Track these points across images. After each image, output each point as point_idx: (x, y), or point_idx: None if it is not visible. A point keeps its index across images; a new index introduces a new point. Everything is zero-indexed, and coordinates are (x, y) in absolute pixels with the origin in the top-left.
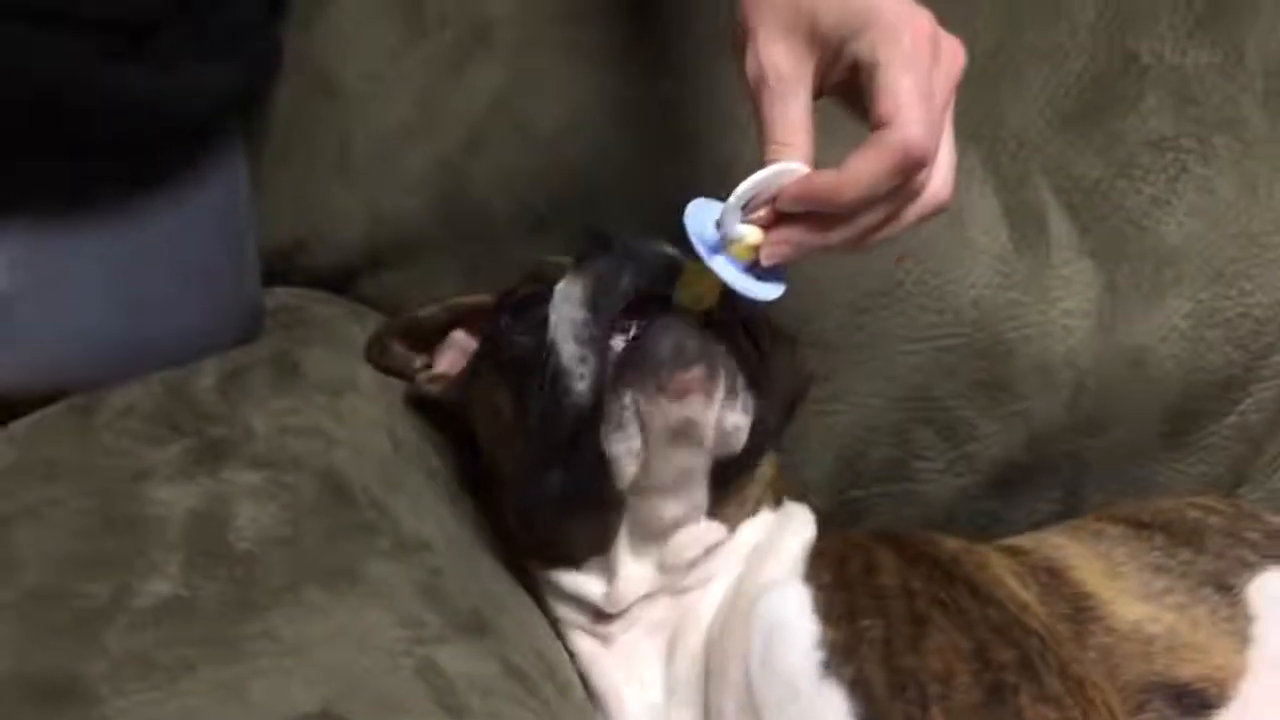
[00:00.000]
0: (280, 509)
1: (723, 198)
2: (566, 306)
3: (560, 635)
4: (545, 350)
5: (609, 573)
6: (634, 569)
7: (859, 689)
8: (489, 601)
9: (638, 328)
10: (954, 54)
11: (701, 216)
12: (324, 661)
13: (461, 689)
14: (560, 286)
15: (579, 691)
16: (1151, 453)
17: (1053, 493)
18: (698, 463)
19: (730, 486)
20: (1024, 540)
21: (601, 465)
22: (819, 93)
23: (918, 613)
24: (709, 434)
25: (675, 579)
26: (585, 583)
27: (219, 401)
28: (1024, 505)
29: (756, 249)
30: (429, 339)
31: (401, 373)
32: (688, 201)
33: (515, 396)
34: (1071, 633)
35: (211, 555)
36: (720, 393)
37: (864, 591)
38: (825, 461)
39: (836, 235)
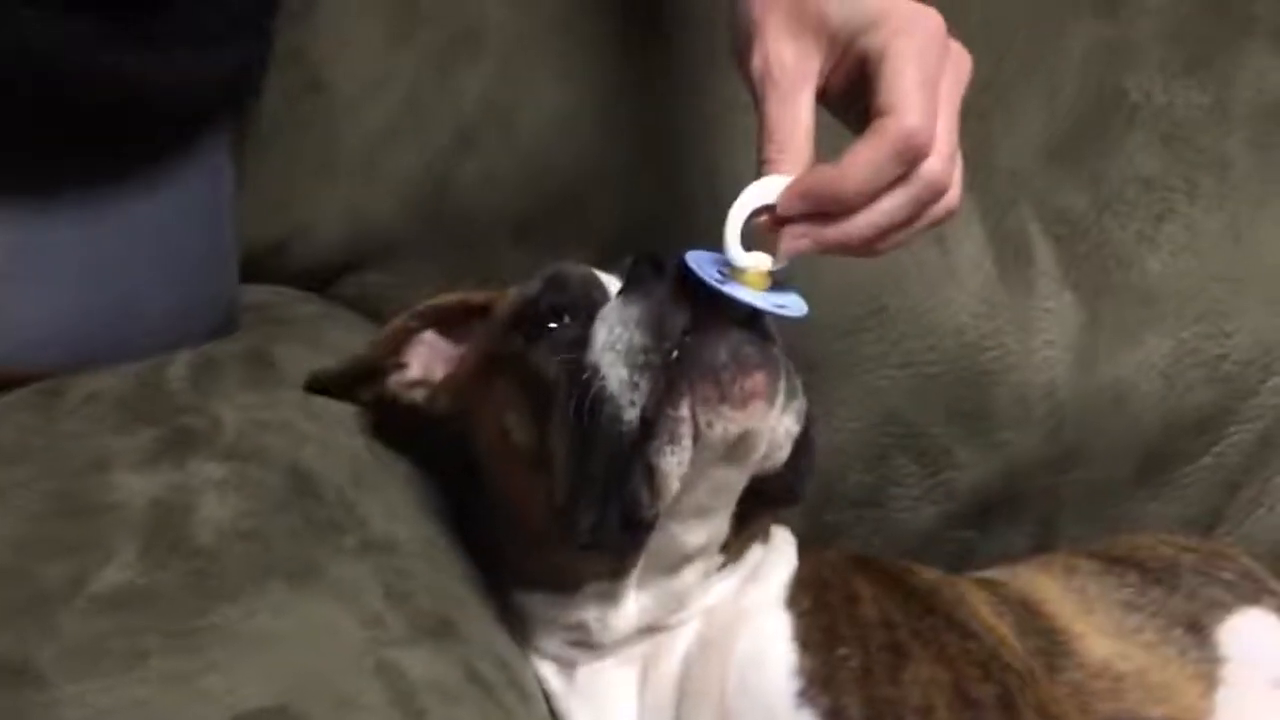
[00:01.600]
0: (245, 502)
1: (710, 209)
2: (620, 329)
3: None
4: (585, 374)
5: (609, 602)
6: (636, 601)
7: (836, 719)
8: (455, 606)
9: (689, 339)
10: (963, 58)
11: (701, 260)
12: (282, 658)
13: (422, 692)
14: (611, 308)
15: (543, 704)
16: (1128, 490)
17: (1028, 526)
18: (738, 480)
19: (751, 518)
20: (999, 573)
21: (645, 485)
22: (822, 94)
23: (897, 644)
24: (762, 445)
25: (672, 613)
26: (579, 611)
27: (189, 392)
28: (999, 537)
29: (769, 275)
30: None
31: (366, 376)
32: (675, 208)
33: (535, 419)
34: (1044, 667)
35: (172, 545)
36: (781, 398)
37: (844, 620)
38: None
39: (846, 229)
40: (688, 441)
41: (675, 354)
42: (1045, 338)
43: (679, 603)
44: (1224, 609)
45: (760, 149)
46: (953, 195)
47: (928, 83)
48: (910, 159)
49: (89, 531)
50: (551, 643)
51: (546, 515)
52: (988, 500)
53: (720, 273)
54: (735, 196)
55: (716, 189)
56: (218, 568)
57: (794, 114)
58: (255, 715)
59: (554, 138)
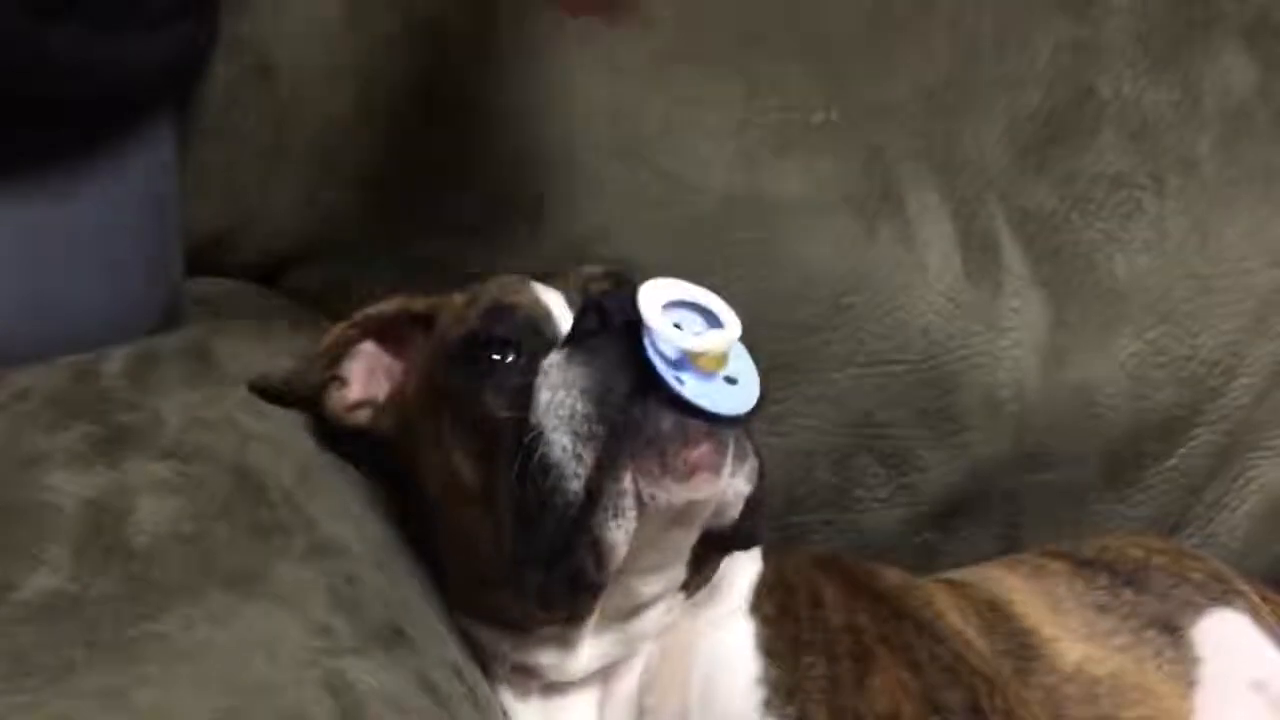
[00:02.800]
0: (185, 504)
1: (672, 208)
2: (563, 394)
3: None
4: (530, 434)
5: (564, 647)
6: (593, 646)
7: None
8: (406, 613)
9: (634, 402)
10: None
11: (655, 314)
12: (221, 670)
13: (371, 704)
14: (554, 365)
15: (498, 713)
16: (1093, 491)
17: (993, 528)
18: (689, 539)
19: (707, 561)
20: (965, 573)
21: (592, 554)
22: None
23: (864, 650)
24: (710, 510)
25: (631, 648)
26: (531, 654)
27: (127, 389)
28: (964, 539)
29: (724, 357)
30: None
31: (305, 393)
32: (636, 204)
33: (482, 462)
34: (1014, 670)
35: (106, 550)
36: (729, 466)
37: (809, 627)
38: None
39: None
40: (632, 513)
41: (619, 423)
42: (1013, 337)
43: (637, 642)
44: (1196, 610)
45: None
46: None
47: None
48: None
49: (17, 535)
50: (503, 669)
51: (496, 560)
52: (953, 502)
53: (676, 325)
54: (701, 193)
55: (676, 189)
56: (154, 574)
57: None
58: None
59: (513, 130)
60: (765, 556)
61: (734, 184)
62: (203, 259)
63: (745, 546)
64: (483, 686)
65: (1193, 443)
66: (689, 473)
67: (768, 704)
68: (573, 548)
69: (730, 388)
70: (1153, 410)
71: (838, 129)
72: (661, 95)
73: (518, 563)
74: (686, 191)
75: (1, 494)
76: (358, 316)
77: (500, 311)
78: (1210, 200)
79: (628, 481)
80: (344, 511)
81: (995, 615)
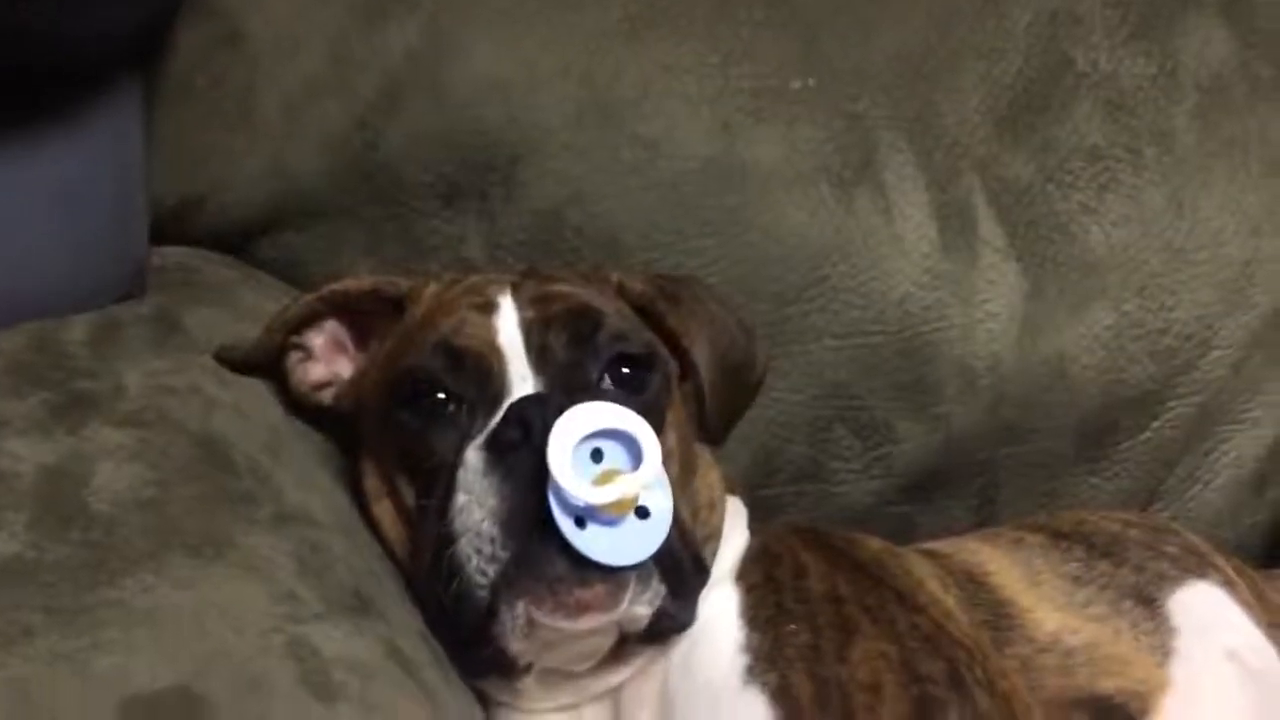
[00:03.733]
0: (146, 470)
1: (645, 175)
2: (475, 507)
3: None
4: (447, 530)
5: (513, 692)
6: (545, 699)
7: (783, 697)
8: (373, 581)
9: (535, 534)
10: None
11: (565, 481)
12: (182, 636)
13: (337, 671)
14: (473, 469)
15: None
16: (1068, 464)
17: (968, 500)
18: (600, 645)
19: (635, 646)
20: (942, 545)
21: (498, 654)
22: None
23: (846, 619)
24: (609, 630)
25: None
26: (490, 688)
27: (89, 356)
28: (939, 512)
29: (634, 500)
30: (301, 324)
31: (270, 366)
32: (608, 173)
33: (418, 498)
34: (991, 640)
35: (64, 516)
36: (625, 604)
37: (792, 596)
38: (740, 457)
39: None
40: (523, 635)
41: (519, 554)
42: (988, 308)
43: (595, 686)
44: (1172, 582)
45: None
46: None
47: None
48: None
49: None
50: None
51: (418, 588)
52: (928, 473)
53: (596, 451)
54: (676, 162)
55: (652, 156)
56: (113, 539)
57: None
58: (151, 699)
59: (485, 99)
60: (751, 528)
61: (711, 150)
62: (169, 228)
63: (665, 639)
64: None
65: (1167, 415)
66: (578, 610)
67: (749, 670)
68: (483, 645)
69: (638, 525)
70: (1128, 383)
71: (815, 96)
72: (637, 60)
73: (442, 627)
74: (662, 158)
75: None
76: (325, 290)
77: (451, 353)
78: (1187, 172)
79: (520, 608)
80: (311, 480)
81: (973, 586)
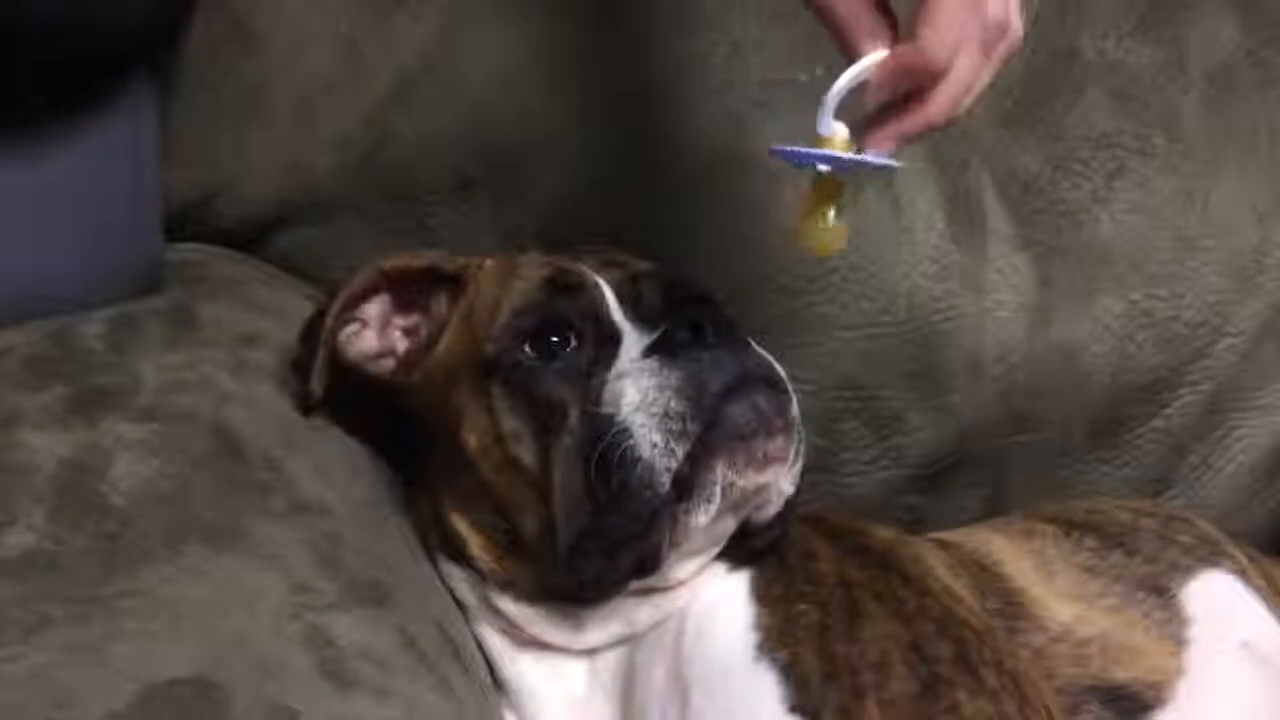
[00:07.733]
0: (163, 463)
1: (659, 171)
2: (655, 394)
3: (467, 621)
4: (610, 431)
5: (575, 624)
6: (615, 623)
7: (792, 673)
8: (390, 572)
9: (726, 400)
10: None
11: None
12: (200, 625)
13: (353, 660)
14: (643, 368)
15: (483, 672)
16: (1078, 452)
17: (979, 490)
18: (730, 527)
19: (729, 550)
20: (953, 534)
21: (669, 539)
22: None
23: (855, 601)
24: (763, 498)
25: (636, 630)
26: (549, 627)
27: (106, 350)
28: (950, 502)
29: (850, 142)
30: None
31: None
32: (620, 168)
33: (538, 440)
34: (1003, 629)
35: (82, 507)
36: (792, 459)
37: (802, 578)
38: None
39: (935, 108)
40: (719, 500)
41: (711, 421)
42: (997, 298)
43: (644, 622)
44: (1185, 572)
45: (851, 50)
46: (1015, 29)
47: None
48: (972, 5)
49: None
50: (494, 619)
51: (536, 534)
52: (938, 464)
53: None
54: (686, 155)
55: (662, 148)
56: (131, 530)
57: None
58: (167, 686)
59: (496, 93)
60: None
61: (720, 144)
62: (182, 225)
63: (768, 543)
64: (467, 644)
65: (1178, 403)
66: (767, 462)
67: (760, 648)
68: (652, 531)
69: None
70: (1138, 371)
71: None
72: (652, 56)
73: (577, 546)
74: (672, 151)
75: None
76: (383, 265)
77: (563, 291)
78: (1196, 160)
79: (718, 471)
80: (325, 471)
81: (984, 575)
